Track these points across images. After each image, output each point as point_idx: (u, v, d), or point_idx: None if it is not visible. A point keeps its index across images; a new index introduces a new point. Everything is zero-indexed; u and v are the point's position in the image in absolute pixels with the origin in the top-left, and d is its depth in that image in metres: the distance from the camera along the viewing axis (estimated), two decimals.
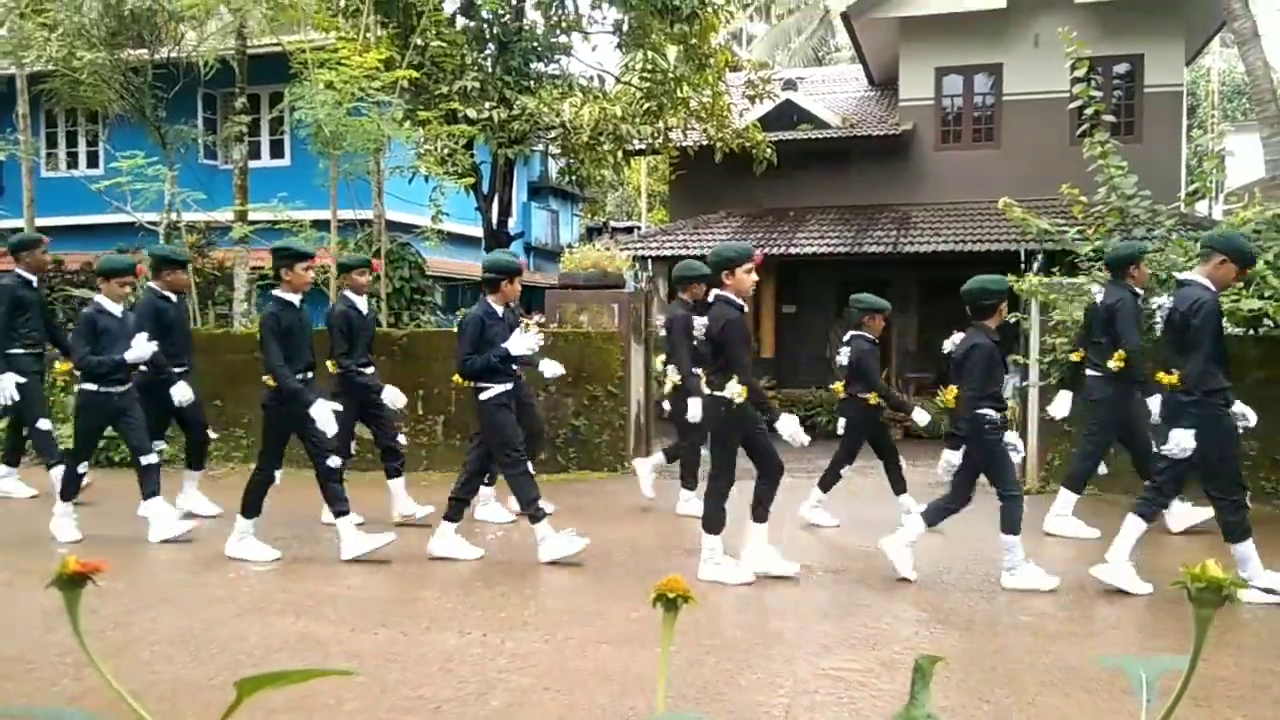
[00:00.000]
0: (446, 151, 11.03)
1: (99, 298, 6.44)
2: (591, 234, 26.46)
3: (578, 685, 3.81)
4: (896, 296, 14.62)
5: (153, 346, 6.25)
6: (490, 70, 12.42)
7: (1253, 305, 7.08)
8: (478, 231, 15.07)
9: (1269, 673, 3.97)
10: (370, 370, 6.93)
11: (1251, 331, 7.73)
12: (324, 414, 5.68)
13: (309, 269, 5.88)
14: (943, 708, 3.56)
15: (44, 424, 7.43)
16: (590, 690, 3.76)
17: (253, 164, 13.62)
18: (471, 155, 12.06)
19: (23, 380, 7.27)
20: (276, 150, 17.19)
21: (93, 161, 17.40)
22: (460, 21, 12.85)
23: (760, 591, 5.20)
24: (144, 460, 6.31)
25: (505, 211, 13.96)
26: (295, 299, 5.85)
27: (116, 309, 6.37)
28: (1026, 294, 8.29)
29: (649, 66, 12.58)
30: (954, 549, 6.16)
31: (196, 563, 5.81)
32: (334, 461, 5.89)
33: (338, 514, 5.82)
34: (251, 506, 5.88)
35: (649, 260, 14.30)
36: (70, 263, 15.71)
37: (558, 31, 13.19)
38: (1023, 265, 11.20)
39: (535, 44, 12.82)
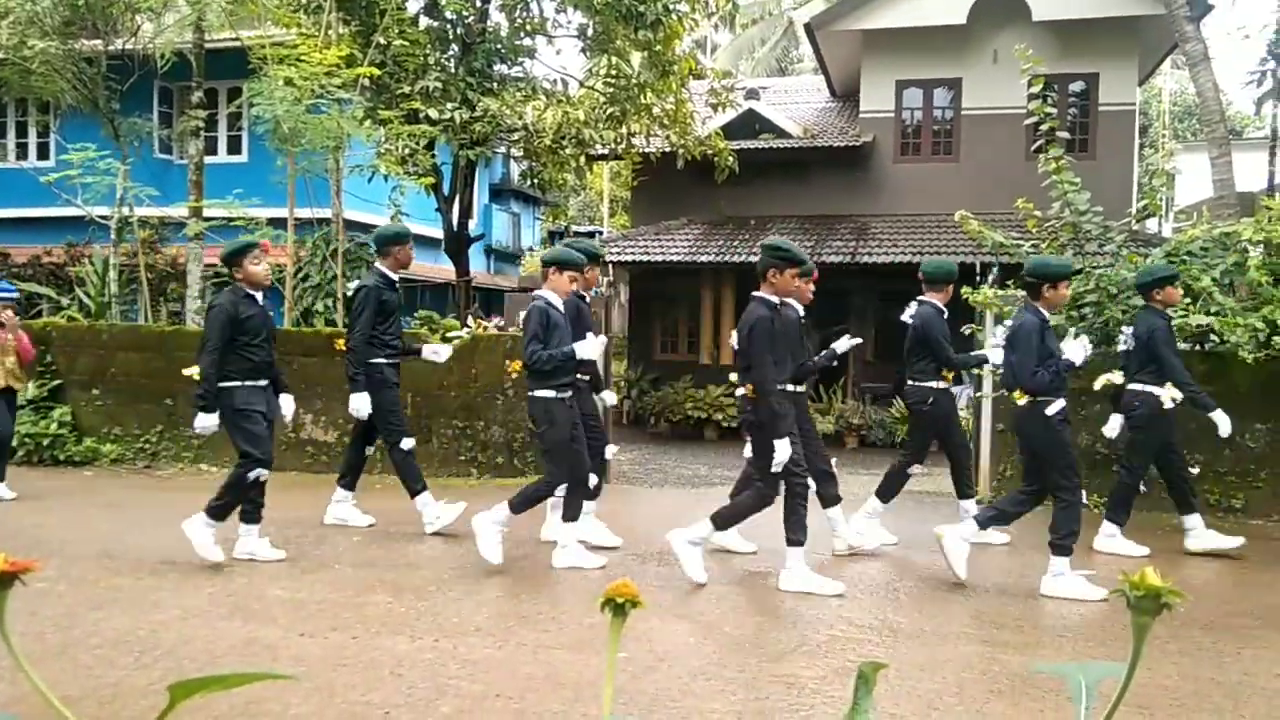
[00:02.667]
0: (407, 151, 10.95)
1: (543, 291, 5.75)
2: (553, 238, 26.41)
3: (529, 691, 3.78)
4: (854, 306, 14.81)
5: (601, 344, 5.60)
6: (453, 71, 12.35)
7: (1199, 321, 7.24)
8: (438, 233, 14.98)
9: (1209, 681, 4.05)
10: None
11: (1199, 346, 7.90)
12: (785, 451, 5.22)
13: (795, 275, 5.47)
14: (892, 715, 3.59)
15: (408, 443, 6.66)
16: (542, 697, 3.73)
17: (209, 159, 13.43)
18: (432, 156, 11.98)
19: (378, 395, 6.55)
20: (234, 146, 16.93)
21: (43, 153, 17.01)
22: (423, 21, 12.77)
23: (716, 598, 5.20)
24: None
25: (466, 213, 13.88)
26: (777, 300, 5.46)
27: (562, 304, 5.72)
28: (982, 306, 8.41)
29: (613, 72, 12.58)
30: (908, 558, 6.22)
31: (142, 565, 5.69)
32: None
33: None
34: (800, 529, 5.35)
35: (610, 265, 14.29)
36: (17, 256, 15.37)
37: (522, 34, 13.15)
38: (978, 278, 11.35)
39: (499, 46, 12.78)
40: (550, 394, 5.56)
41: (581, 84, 13.88)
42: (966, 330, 8.60)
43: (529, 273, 10.25)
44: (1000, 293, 8.53)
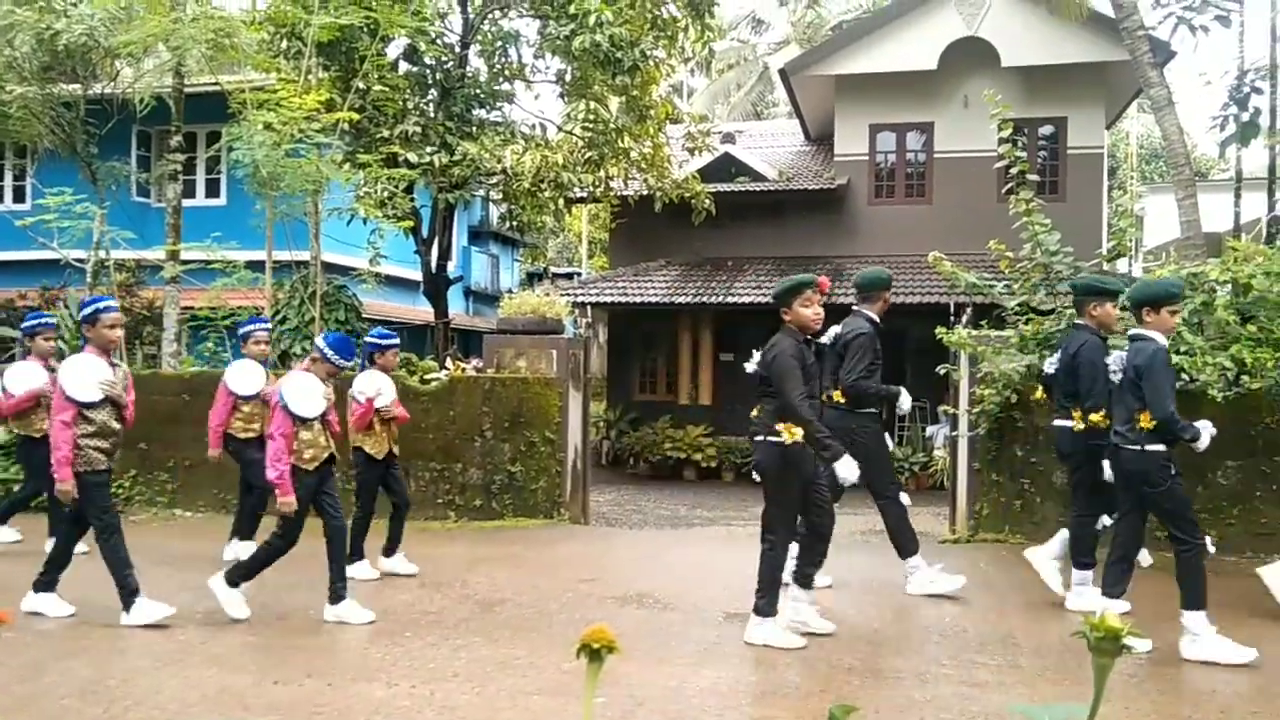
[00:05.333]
0: (386, 194, 11.00)
1: (1152, 333, 4.97)
2: (531, 279, 26.48)
3: None
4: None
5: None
6: (432, 115, 12.45)
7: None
8: (416, 275, 15.00)
9: (1187, 719, 4.06)
10: None
11: None
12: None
13: None
14: None
15: (906, 499, 6.27)
16: None
17: (187, 203, 13.42)
18: (411, 199, 12.03)
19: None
20: (212, 189, 16.94)
21: (19, 196, 16.95)
22: (403, 66, 12.89)
23: (695, 642, 5.17)
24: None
25: (445, 255, 13.92)
26: None
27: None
28: (956, 346, 8.49)
29: (591, 116, 12.73)
30: (886, 600, 6.21)
31: (112, 612, 5.59)
32: None
33: None
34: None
35: (588, 307, 14.36)
36: None
37: (501, 79, 13.30)
38: (952, 318, 11.47)
39: (478, 91, 12.91)
40: (1163, 448, 4.93)
41: (560, 128, 14.03)
42: (942, 370, 8.68)
43: (507, 314, 10.21)
44: (974, 333, 8.61)
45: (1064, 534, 6.04)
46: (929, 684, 4.51)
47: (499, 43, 13.02)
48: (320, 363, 5.78)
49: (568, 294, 14.03)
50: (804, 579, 5.28)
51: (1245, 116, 12.49)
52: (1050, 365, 6.11)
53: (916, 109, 14.72)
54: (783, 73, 15.31)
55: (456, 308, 20.88)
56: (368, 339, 6.84)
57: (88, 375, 5.34)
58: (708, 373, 15.03)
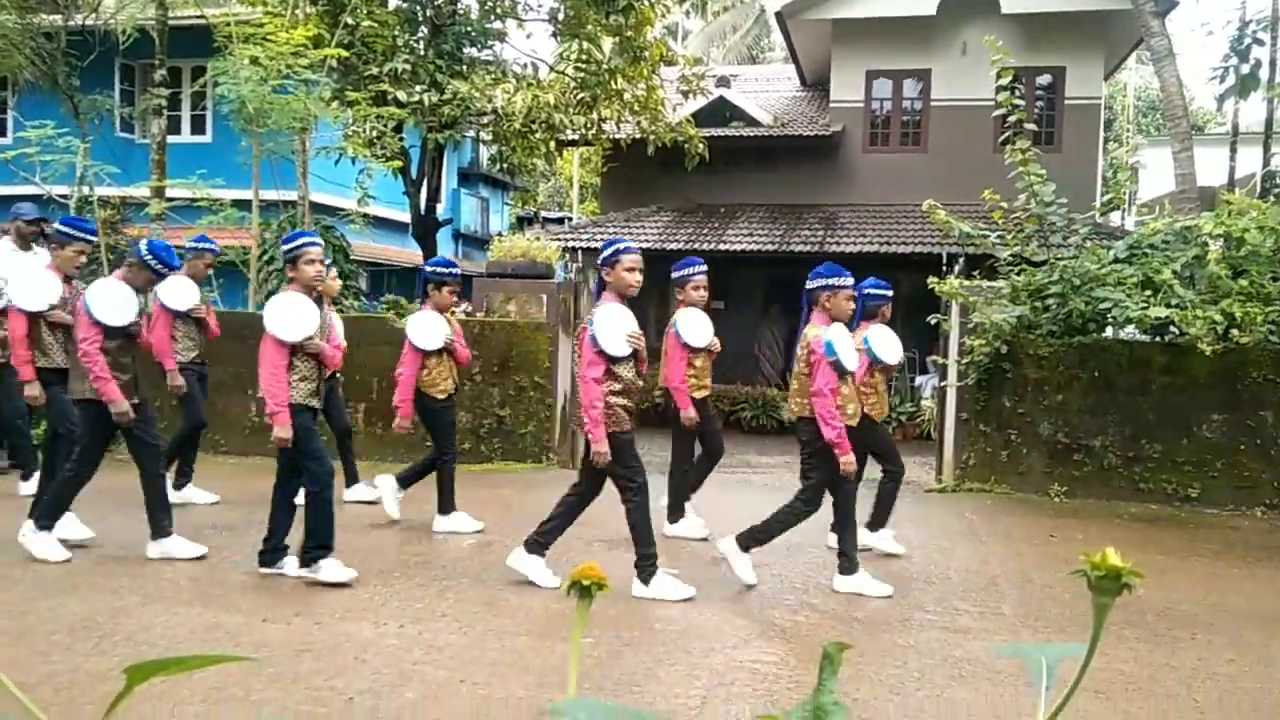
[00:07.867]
0: (375, 134, 10.83)
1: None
2: (522, 223, 26.27)
3: (494, 677, 3.78)
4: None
5: None
6: (422, 53, 12.22)
7: (1159, 313, 7.35)
8: (405, 216, 14.86)
9: (1164, 666, 4.13)
10: None
11: (1158, 338, 8.03)
12: None
13: None
14: (855, 700, 3.62)
15: None
16: (507, 682, 3.73)
17: (172, 139, 13.19)
18: (400, 139, 11.86)
19: None
20: (197, 126, 16.66)
21: None
22: (392, 2, 12.62)
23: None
24: None
25: (434, 197, 13.77)
26: None
27: None
28: (947, 296, 8.48)
29: (584, 57, 12.52)
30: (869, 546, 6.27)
31: (101, 550, 5.60)
32: None
33: None
34: None
35: (579, 251, 14.25)
36: None
37: (492, 17, 13.05)
38: (944, 268, 11.44)
39: (469, 28, 12.66)
40: None
41: (552, 68, 13.80)
42: (933, 320, 8.68)
43: (497, 258, 10.13)
44: (966, 283, 8.60)
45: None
46: (912, 629, 4.56)
47: None
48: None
49: (558, 239, 13.91)
50: None
51: (1245, 69, 12.37)
52: None
53: (914, 56, 14.52)
54: (779, 16, 15.04)
55: (445, 250, 20.71)
56: (865, 289, 5.51)
57: (618, 327, 4.86)
58: None
